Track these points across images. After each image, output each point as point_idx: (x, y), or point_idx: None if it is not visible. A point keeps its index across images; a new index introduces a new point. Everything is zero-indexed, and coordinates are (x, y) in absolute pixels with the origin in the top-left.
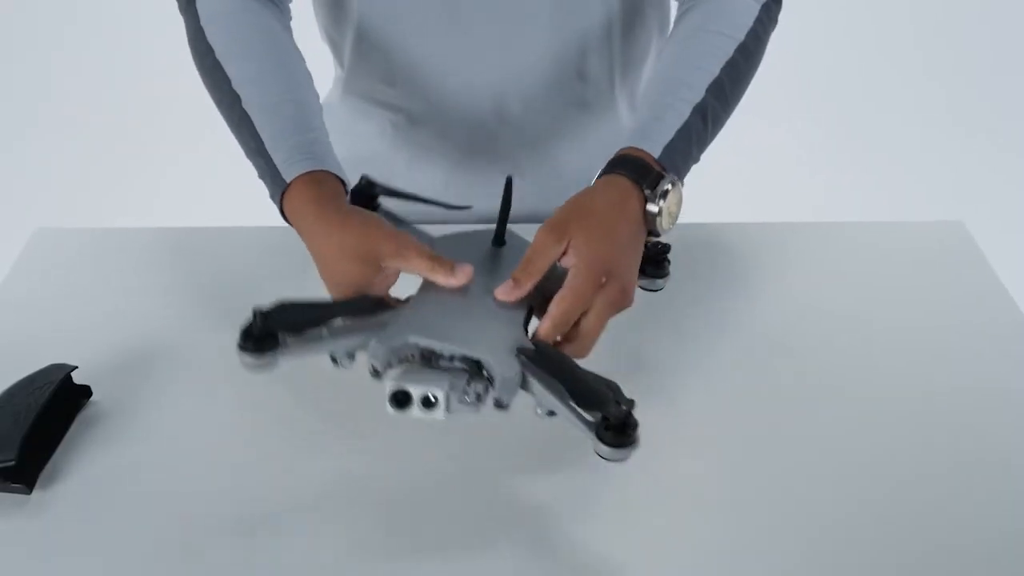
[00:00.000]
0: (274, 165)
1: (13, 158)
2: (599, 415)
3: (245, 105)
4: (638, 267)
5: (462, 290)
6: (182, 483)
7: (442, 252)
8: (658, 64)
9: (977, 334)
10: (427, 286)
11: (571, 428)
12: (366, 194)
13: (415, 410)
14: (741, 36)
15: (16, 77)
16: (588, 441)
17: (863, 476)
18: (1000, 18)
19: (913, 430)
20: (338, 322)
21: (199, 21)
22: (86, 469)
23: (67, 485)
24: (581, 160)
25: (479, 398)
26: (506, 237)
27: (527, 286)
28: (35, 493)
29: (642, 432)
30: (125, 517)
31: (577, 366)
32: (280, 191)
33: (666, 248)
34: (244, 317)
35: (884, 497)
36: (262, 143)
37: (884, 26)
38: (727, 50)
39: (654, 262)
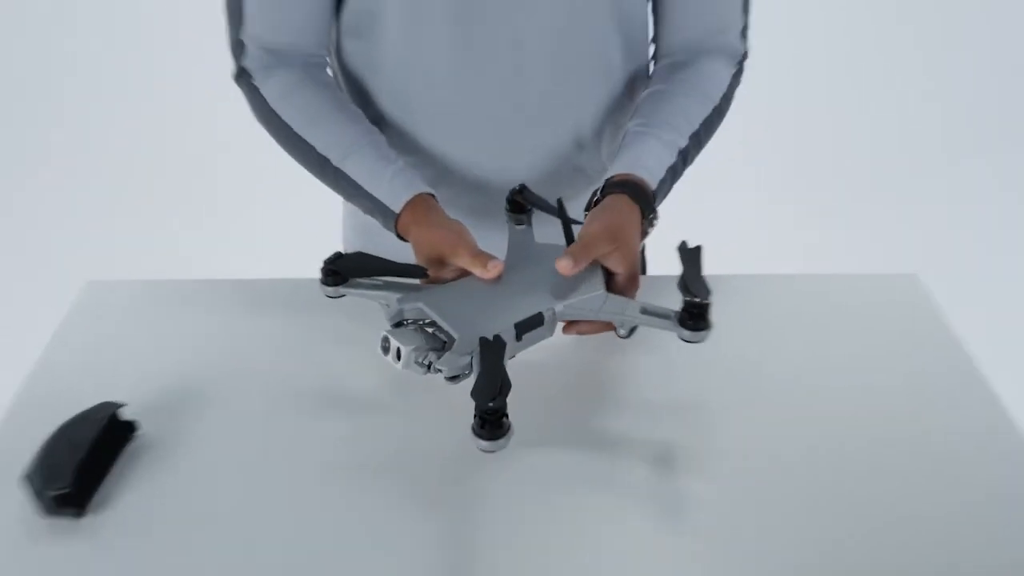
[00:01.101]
0: (380, 201)
1: (66, 218)
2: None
3: (336, 163)
4: (639, 247)
5: (501, 284)
6: (219, 508)
7: (532, 255)
8: (651, 101)
9: (929, 384)
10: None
11: None
12: (516, 202)
13: (390, 357)
14: (717, 99)
15: (67, 140)
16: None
17: (816, 515)
18: (953, 76)
19: (868, 475)
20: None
21: (268, 104)
22: (132, 495)
23: (115, 510)
24: (577, 213)
25: (429, 367)
26: None
27: (580, 265)
28: (86, 518)
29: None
30: (168, 539)
31: (498, 367)
32: (393, 220)
33: (707, 305)
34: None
35: (834, 536)
36: (361, 187)
37: (842, 87)
38: (706, 108)
39: (697, 316)
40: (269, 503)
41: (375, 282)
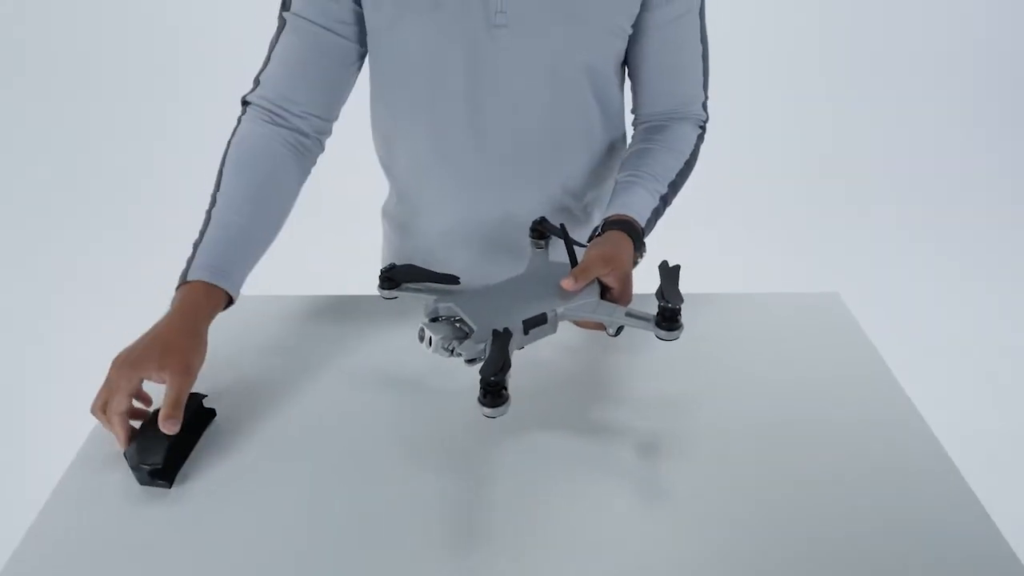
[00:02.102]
0: (192, 262)
1: (156, 241)
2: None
3: (213, 211)
4: (631, 270)
5: (518, 290)
6: (280, 480)
7: (546, 270)
8: (636, 157)
9: (849, 388)
10: (500, 284)
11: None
12: (538, 229)
13: (423, 344)
14: (687, 153)
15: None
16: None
17: (770, 486)
18: (877, 106)
19: (810, 457)
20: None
21: (234, 136)
22: (210, 470)
23: (196, 482)
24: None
25: (452, 352)
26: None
27: (581, 283)
28: (173, 488)
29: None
30: (239, 506)
31: (503, 351)
32: (181, 281)
33: (678, 310)
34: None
35: (785, 502)
36: (200, 242)
37: (766, 122)
38: (679, 162)
39: (670, 319)
40: (323, 476)
41: (418, 286)
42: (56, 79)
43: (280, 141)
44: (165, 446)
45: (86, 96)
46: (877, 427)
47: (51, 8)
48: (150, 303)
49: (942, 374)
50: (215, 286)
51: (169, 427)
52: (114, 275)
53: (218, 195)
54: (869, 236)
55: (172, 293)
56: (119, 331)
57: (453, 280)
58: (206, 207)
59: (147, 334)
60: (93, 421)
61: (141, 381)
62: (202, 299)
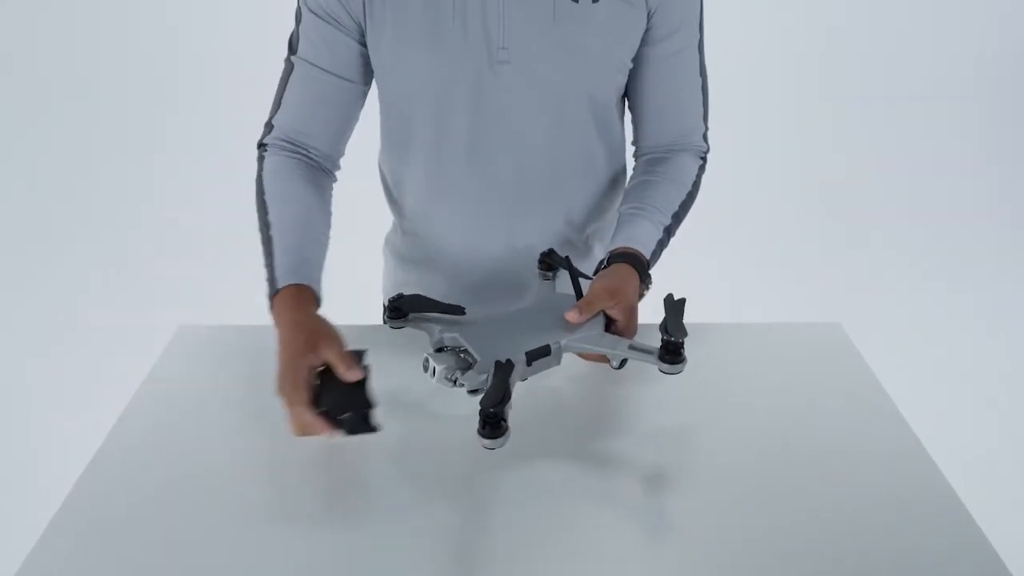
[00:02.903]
0: (274, 274)
1: (160, 267)
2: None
3: (271, 231)
4: (637, 303)
5: (524, 321)
6: (288, 504)
7: (551, 302)
8: (639, 189)
9: (852, 420)
10: (506, 315)
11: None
12: (546, 261)
13: (428, 374)
14: (689, 185)
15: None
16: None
17: (775, 517)
18: (881, 130)
19: (813, 487)
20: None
21: (263, 171)
22: (215, 490)
23: (199, 499)
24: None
25: (455, 382)
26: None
27: (585, 316)
28: (172, 506)
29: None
30: (239, 529)
31: (504, 382)
32: (272, 293)
33: (681, 343)
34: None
35: (789, 534)
36: (273, 258)
37: (781, 146)
38: (682, 193)
39: (673, 352)
40: (319, 501)
41: (425, 317)
42: (56, 87)
43: (306, 167)
44: (363, 391)
45: (87, 105)
46: (880, 457)
47: (52, 9)
48: (150, 307)
49: (944, 404)
50: (304, 286)
51: (353, 375)
52: (119, 286)
53: (270, 220)
54: (870, 264)
55: (173, 298)
56: (123, 344)
57: (459, 311)
58: (260, 238)
59: (281, 340)
60: (100, 436)
61: (310, 368)
62: (302, 294)
